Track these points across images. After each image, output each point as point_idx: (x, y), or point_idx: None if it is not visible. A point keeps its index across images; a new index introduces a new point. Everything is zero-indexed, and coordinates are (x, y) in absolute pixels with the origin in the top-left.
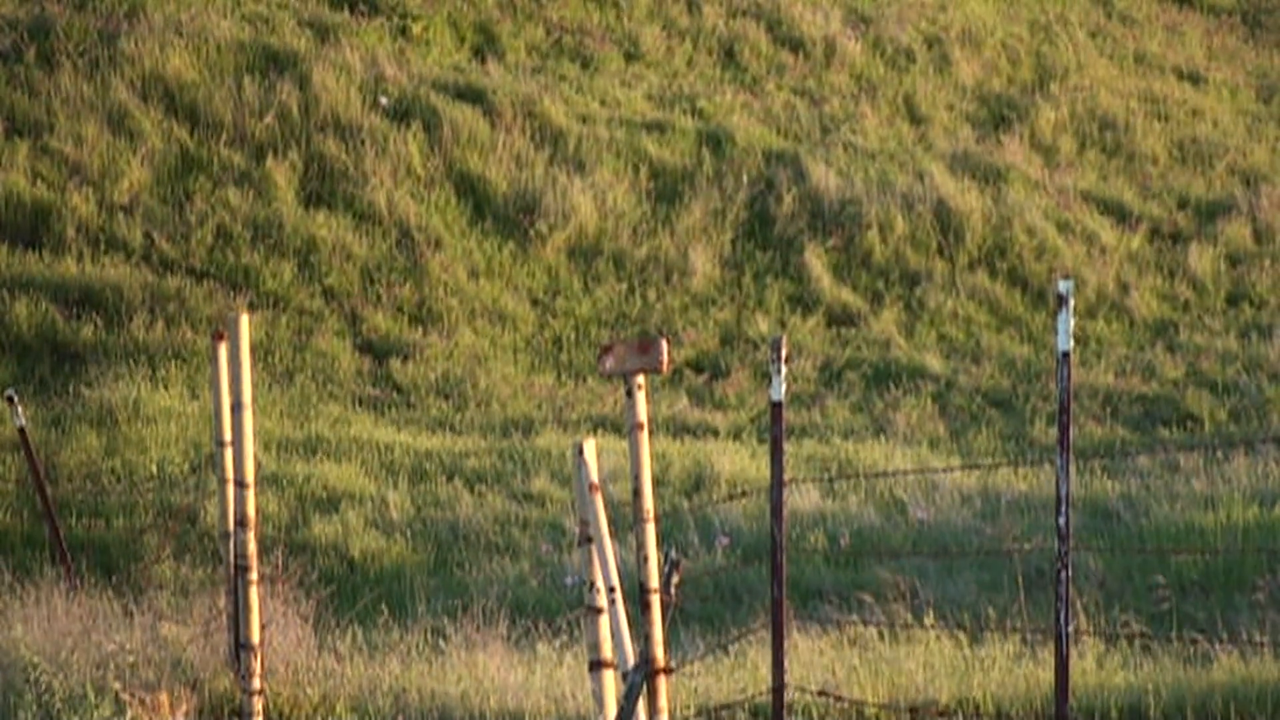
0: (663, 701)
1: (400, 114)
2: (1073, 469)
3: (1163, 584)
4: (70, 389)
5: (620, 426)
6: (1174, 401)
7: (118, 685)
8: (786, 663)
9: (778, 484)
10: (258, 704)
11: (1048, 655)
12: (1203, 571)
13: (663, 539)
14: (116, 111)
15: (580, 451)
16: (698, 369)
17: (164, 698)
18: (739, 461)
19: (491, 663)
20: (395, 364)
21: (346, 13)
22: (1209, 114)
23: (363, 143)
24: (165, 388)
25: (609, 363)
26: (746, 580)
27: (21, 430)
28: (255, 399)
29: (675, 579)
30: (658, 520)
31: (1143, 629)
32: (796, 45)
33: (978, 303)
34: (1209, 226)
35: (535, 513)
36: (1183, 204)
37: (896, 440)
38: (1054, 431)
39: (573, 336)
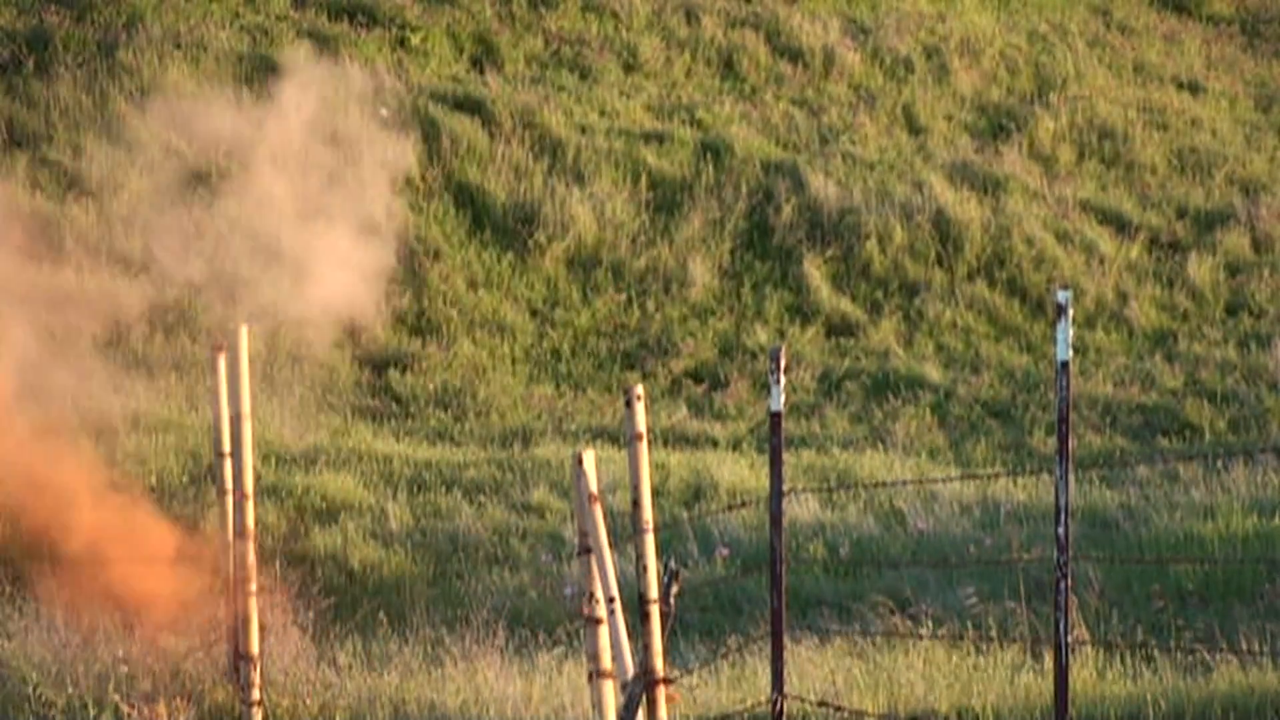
0: (662, 712)
1: (399, 124)
2: (1072, 479)
3: (1161, 593)
4: (70, 400)
5: (619, 437)
6: (1173, 411)
7: (117, 697)
8: (786, 673)
9: (777, 494)
10: (257, 715)
11: (1047, 665)
12: (1202, 581)
13: (662, 549)
14: (115, 122)
15: (579, 462)
16: (697, 379)
17: (163, 709)
18: (738, 472)
19: (490, 673)
20: (394, 375)
21: (345, 24)
22: (1208, 123)
23: (361, 153)
24: (165, 399)
25: None
26: (746, 590)
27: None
28: (254, 410)
29: (674, 589)
30: (657, 531)
31: (1142, 638)
32: (795, 55)
33: (977, 312)
34: (1208, 236)
35: (534, 523)
36: (1181, 213)
37: (896, 450)
38: (1053, 441)
39: (572, 347)
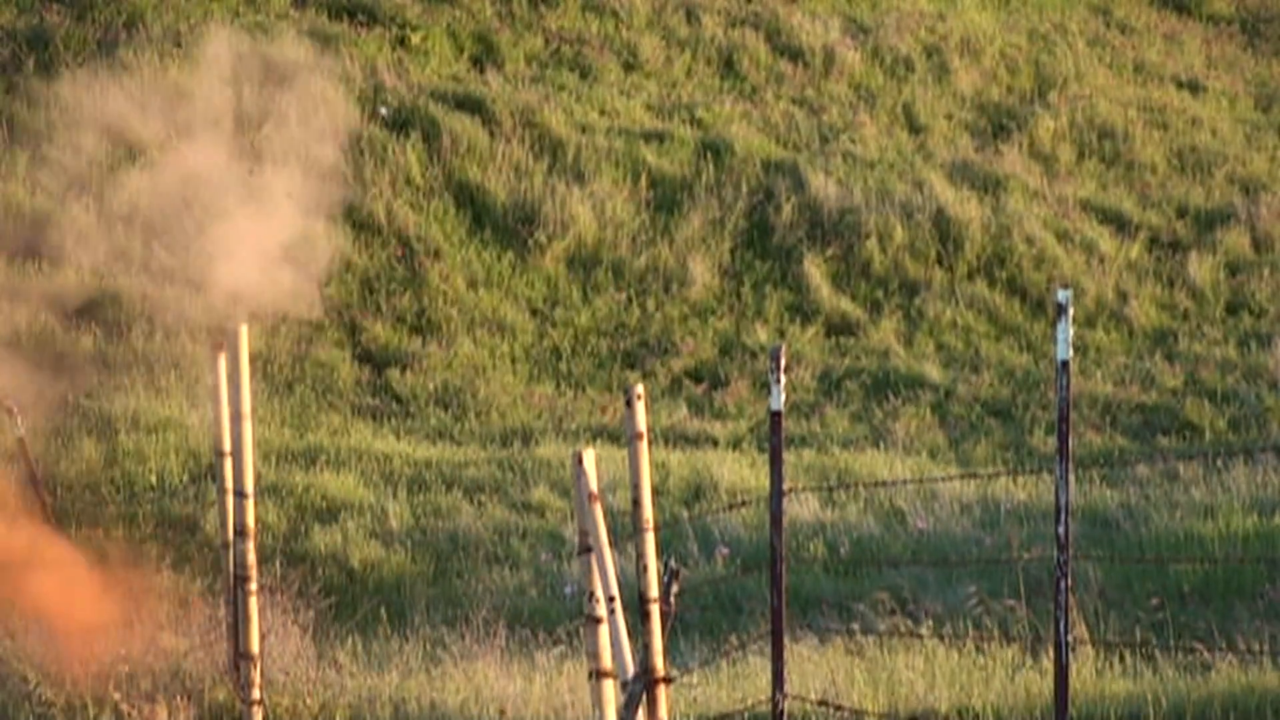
0: (662, 711)
1: (399, 124)
2: (1072, 478)
3: (1161, 592)
4: (69, 399)
5: (619, 436)
6: (1173, 410)
7: (117, 695)
8: (786, 672)
9: (777, 493)
10: (257, 714)
11: (1047, 664)
12: (1202, 580)
13: (662, 549)
14: (115, 121)
15: (580, 461)
16: (697, 379)
17: (163, 708)
18: (738, 471)
19: (490, 672)
20: (394, 374)
21: (345, 23)
22: (1208, 123)
23: (362, 153)
24: (165, 398)
25: None
26: (746, 590)
27: (21, 440)
28: (254, 409)
29: (675, 588)
30: (657, 530)
31: (1142, 638)
32: (795, 55)
33: (977, 312)
34: (1208, 235)
35: (535, 522)
36: (1182, 213)
37: (896, 450)
38: (1053, 440)
39: (572, 346)
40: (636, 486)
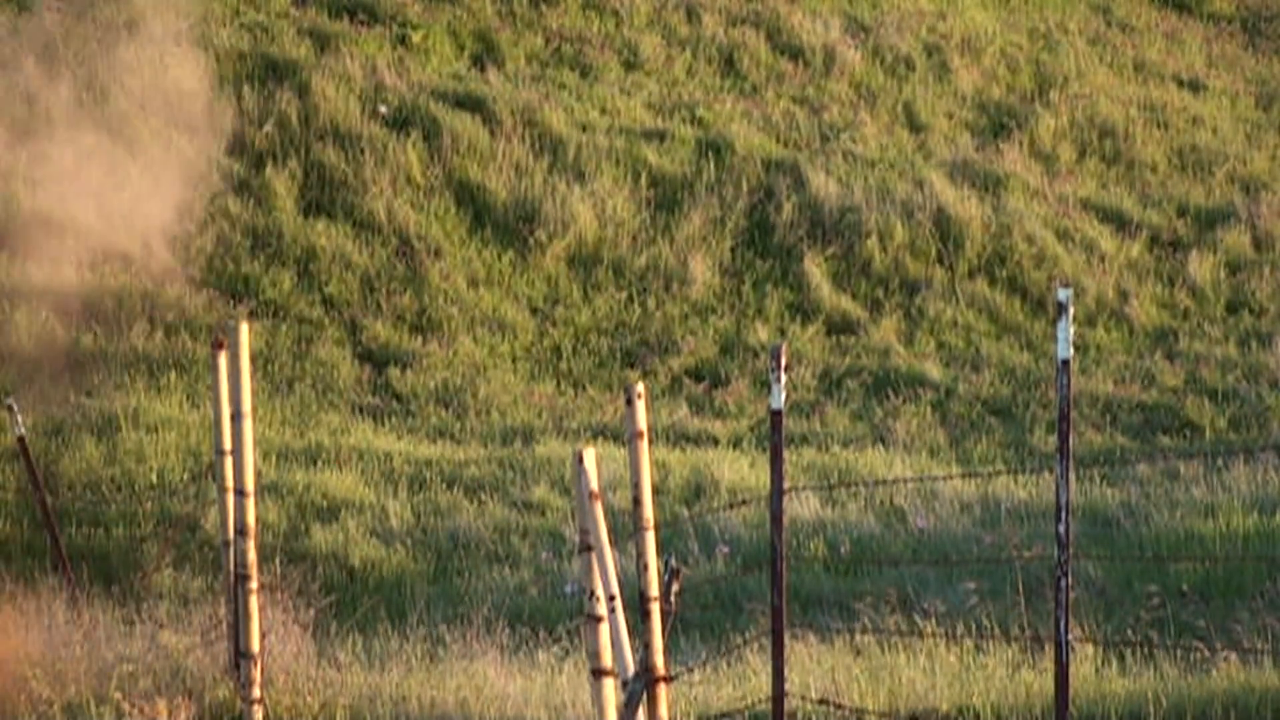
0: (663, 710)
1: (400, 123)
2: (1072, 477)
3: (1162, 591)
4: (70, 398)
5: (620, 435)
6: (1174, 409)
7: (118, 694)
8: (786, 671)
9: (777, 492)
10: (258, 713)
11: (1047, 663)
12: (1202, 579)
13: (662, 547)
14: (116, 121)
15: (580, 460)
16: (697, 378)
17: (163, 707)
18: (739, 470)
19: (491, 671)
20: (395, 373)
21: (346, 22)
22: (1209, 122)
23: (362, 151)
24: (165, 396)
25: None
26: (746, 588)
27: (21, 439)
28: (255, 408)
29: (675, 587)
30: (657, 529)
31: (1143, 636)
32: (796, 54)
33: (977, 311)
34: (1209, 234)
35: (535, 521)
36: (1182, 212)
37: (896, 448)
38: (1054, 439)
39: (572, 345)
40: (637, 485)
